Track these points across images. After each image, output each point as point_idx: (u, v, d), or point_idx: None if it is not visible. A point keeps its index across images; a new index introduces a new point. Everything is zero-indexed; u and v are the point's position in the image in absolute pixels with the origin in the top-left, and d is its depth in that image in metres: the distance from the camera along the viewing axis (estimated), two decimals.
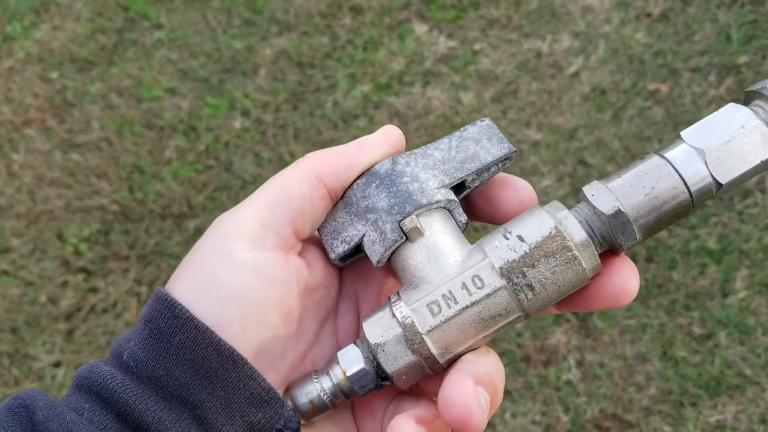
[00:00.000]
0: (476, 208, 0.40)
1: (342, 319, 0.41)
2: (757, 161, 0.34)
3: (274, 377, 0.37)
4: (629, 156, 1.47)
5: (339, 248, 0.39)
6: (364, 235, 0.38)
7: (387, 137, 0.39)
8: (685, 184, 0.34)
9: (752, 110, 0.35)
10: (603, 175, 1.46)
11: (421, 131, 1.56)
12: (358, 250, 0.39)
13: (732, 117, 0.34)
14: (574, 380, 1.25)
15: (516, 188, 0.39)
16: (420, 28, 1.73)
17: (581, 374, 1.26)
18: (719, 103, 1.49)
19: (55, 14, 1.84)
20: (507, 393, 1.25)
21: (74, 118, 1.67)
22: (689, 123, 1.43)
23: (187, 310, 0.35)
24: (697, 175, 0.34)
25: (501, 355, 1.28)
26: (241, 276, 0.36)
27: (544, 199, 1.40)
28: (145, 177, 1.57)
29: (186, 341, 0.35)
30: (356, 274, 0.42)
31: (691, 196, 0.34)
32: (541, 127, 1.54)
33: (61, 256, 1.49)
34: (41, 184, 1.59)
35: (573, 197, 1.44)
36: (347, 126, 1.59)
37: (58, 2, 1.85)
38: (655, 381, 1.24)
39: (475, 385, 0.33)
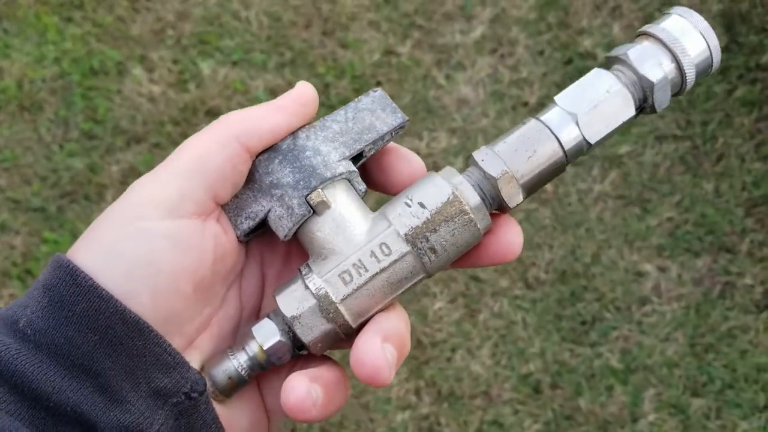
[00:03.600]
0: (372, 178, 0.42)
1: (246, 282, 0.42)
2: (620, 121, 0.39)
3: (179, 341, 0.37)
4: (522, 267, 1.38)
5: (244, 225, 0.39)
6: (269, 211, 0.38)
7: (300, 98, 0.39)
8: (561, 145, 0.38)
9: (615, 75, 0.39)
10: (497, 292, 1.36)
11: None
12: (262, 224, 0.40)
13: (598, 82, 0.38)
14: None
15: (410, 162, 0.41)
16: None
17: None
18: (605, 200, 1.44)
19: None
20: None
21: None
22: (577, 226, 1.36)
23: (91, 278, 0.34)
24: (570, 137, 0.38)
25: None
26: (152, 245, 0.35)
27: None
28: None
29: (89, 310, 0.34)
30: (262, 236, 0.42)
31: (566, 155, 0.38)
32: None
33: None
34: None
35: (469, 320, 1.33)
36: None
37: None
38: None
39: (382, 342, 0.36)
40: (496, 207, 0.39)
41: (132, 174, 1.51)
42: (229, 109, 1.59)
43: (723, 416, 1.23)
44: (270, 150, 0.39)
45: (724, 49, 1.65)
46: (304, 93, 0.39)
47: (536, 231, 1.42)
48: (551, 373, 1.26)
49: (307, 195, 0.38)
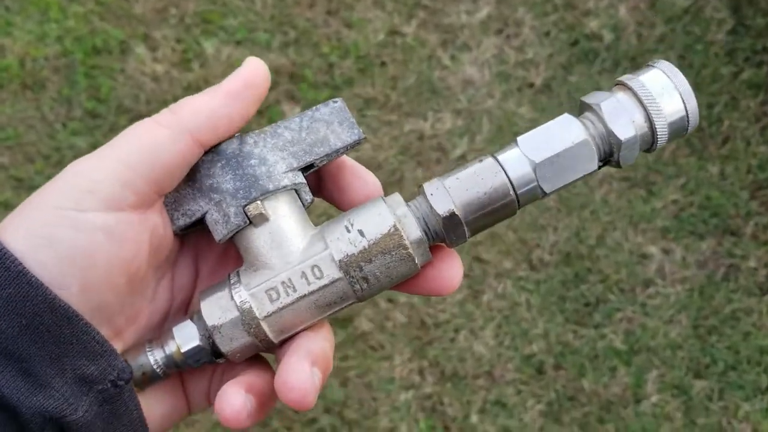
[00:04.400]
0: (325, 191, 0.41)
1: (179, 274, 0.41)
2: (579, 174, 0.37)
3: (107, 331, 0.36)
4: (525, 249, 1.38)
5: (180, 221, 0.38)
6: (206, 212, 0.37)
7: (251, 79, 0.36)
8: (514, 189, 0.37)
9: (583, 123, 0.37)
10: (501, 273, 1.36)
11: None
12: (199, 221, 0.39)
13: (564, 130, 0.37)
14: None
15: (366, 182, 0.40)
16: (291, 111, 1.57)
17: None
18: (610, 182, 1.43)
19: None
20: None
21: None
22: (582, 208, 1.35)
23: (21, 264, 0.33)
24: (525, 182, 0.37)
25: None
26: (88, 236, 0.34)
27: None
28: None
29: (16, 295, 0.33)
30: (200, 230, 0.40)
31: (518, 200, 0.37)
32: None
33: None
34: None
35: (472, 301, 1.33)
36: None
37: None
38: None
39: (311, 366, 0.35)
40: (440, 241, 0.38)
41: None
42: None
43: (725, 398, 1.24)
44: (214, 151, 0.37)
45: (731, 32, 1.64)
46: (254, 73, 0.37)
47: (541, 213, 1.41)
48: (554, 354, 1.26)
49: (246, 206, 0.37)
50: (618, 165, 0.38)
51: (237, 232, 0.37)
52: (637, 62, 1.60)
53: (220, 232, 0.37)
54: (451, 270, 0.38)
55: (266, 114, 1.55)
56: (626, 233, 1.39)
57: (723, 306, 1.32)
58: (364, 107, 1.58)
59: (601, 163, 0.38)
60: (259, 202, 0.37)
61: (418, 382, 1.27)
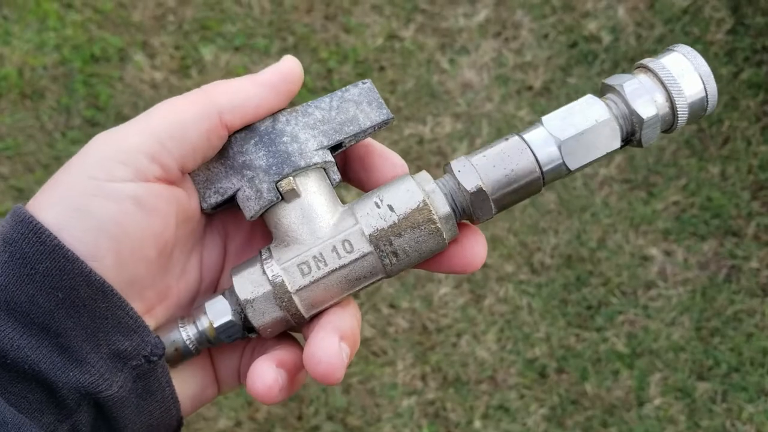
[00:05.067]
0: (351, 172, 0.41)
1: (207, 253, 0.41)
2: (603, 152, 0.38)
3: (139, 305, 0.37)
4: (527, 252, 1.38)
5: (212, 198, 0.39)
6: (238, 190, 0.38)
7: (287, 75, 0.38)
8: (540, 167, 0.37)
9: (606, 104, 0.38)
10: (502, 277, 1.36)
11: None
12: (230, 200, 0.39)
13: (588, 109, 0.38)
14: None
15: (393, 164, 0.40)
16: None
17: None
18: (611, 184, 1.43)
19: None
20: None
21: None
22: (582, 211, 1.35)
23: (56, 237, 0.33)
24: (550, 160, 0.38)
25: None
26: (120, 206, 0.34)
27: None
28: None
29: (53, 269, 0.33)
30: (228, 209, 0.41)
31: (543, 177, 0.38)
32: None
33: None
34: None
35: (474, 305, 1.33)
36: None
37: None
38: None
39: (339, 341, 0.35)
40: (467, 218, 0.39)
41: None
42: None
43: (729, 400, 1.23)
44: (247, 129, 0.38)
45: (730, 31, 1.64)
46: (292, 70, 0.38)
47: (541, 216, 1.41)
48: (557, 357, 1.26)
49: (278, 181, 0.37)
50: (639, 144, 0.39)
51: (268, 209, 0.38)
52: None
53: (252, 208, 0.38)
54: (475, 247, 0.39)
55: None
56: (627, 235, 1.39)
57: (725, 307, 1.31)
58: None
59: (623, 142, 0.39)
60: (291, 178, 0.37)
61: (421, 388, 1.27)
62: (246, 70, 1.61)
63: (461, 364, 1.28)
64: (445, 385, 1.28)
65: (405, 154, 1.52)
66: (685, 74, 0.38)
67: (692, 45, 1.62)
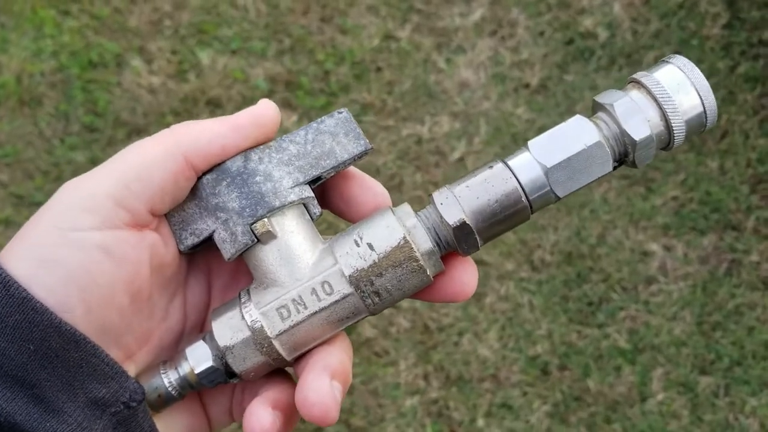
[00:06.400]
0: (332, 203, 0.41)
1: (191, 293, 0.41)
2: (593, 177, 0.36)
3: (117, 353, 0.36)
4: (526, 250, 1.38)
5: (188, 240, 0.38)
6: (214, 231, 0.37)
7: (260, 118, 0.37)
8: (526, 195, 0.36)
9: (596, 125, 0.36)
10: (503, 275, 1.36)
11: None
12: (208, 239, 0.38)
13: (577, 131, 0.36)
14: None
15: (375, 194, 0.39)
16: (288, 119, 1.57)
17: None
18: (609, 180, 1.43)
19: None
20: None
21: None
22: (581, 207, 1.35)
23: (24, 290, 0.33)
24: (537, 188, 0.36)
25: None
26: (87, 255, 0.34)
27: None
28: None
29: (22, 322, 0.33)
30: (210, 247, 0.40)
31: (531, 206, 0.36)
32: None
33: None
34: None
35: (475, 303, 1.33)
36: None
37: None
38: None
39: (330, 380, 0.35)
40: (452, 250, 0.38)
41: None
42: (230, 99, 1.58)
43: (731, 393, 1.23)
44: (219, 170, 0.37)
45: (726, 26, 1.64)
46: (265, 113, 0.37)
47: (540, 213, 1.41)
48: (559, 354, 1.26)
49: (252, 224, 0.36)
50: (634, 165, 0.37)
51: (246, 251, 0.37)
52: (633, 59, 1.59)
53: (228, 250, 0.37)
54: (464, 276, 0.38)
55: None
56: (627, 231, 1.39)
57: (726, 301, 1.31)
58: (361, 113, 1.58)
59: (616, 164, 0.37)
60: (266, 219, 0.36)
61: (424, 387, 1.27)
62: (243, 74, 1.61)
63: (463, 363, 1.28)
64: (448, 384, 1.28)
65: (404, 155, 1.52)
66: (681, 89, 0.36)
67: (688, 40, 1.62)
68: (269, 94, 1.59)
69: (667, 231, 1.38)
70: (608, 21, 1.63)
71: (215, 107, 1.57)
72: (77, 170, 1.50)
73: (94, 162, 1.50)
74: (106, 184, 0.35)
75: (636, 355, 1.25)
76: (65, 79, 1.61)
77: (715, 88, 1.57)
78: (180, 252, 0.39)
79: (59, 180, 1.49)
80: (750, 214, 1.40)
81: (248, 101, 1.57)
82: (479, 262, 1.38)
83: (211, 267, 0.41)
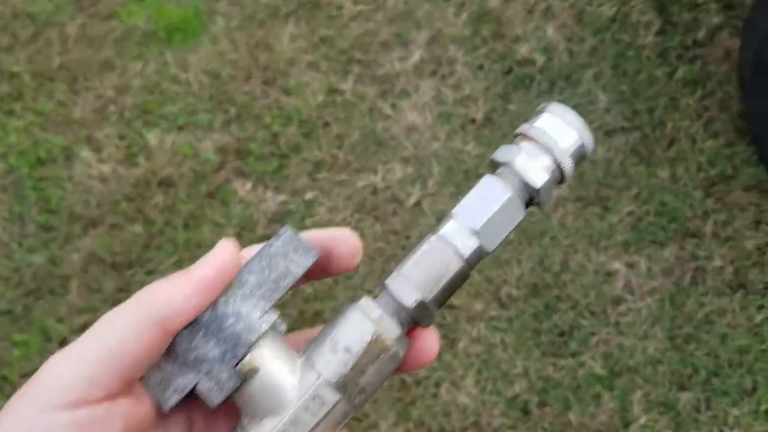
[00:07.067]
0: (310, 272, 0.42)
1: None
2: (513, 225, 0.41)
3: None
4: (493, 287, 1.38)
5: (171, 399, 0.38)
6: (197, 383, 0.38)
7: (223, 265, 0.38)
8: (465, 260, 0.40)
9: (503, 181, 0.41)
10: (473, 317, 1.36)
11: None
12: (191, 393, 0.39)
13: (491, 192, 0.41)
14: None
15: (347, 242, 0.41)
16: (243, 187, 1.57)
17: None
18: (564, 204, 1.44)
19: None
20: None
21: None
22: (541, 236, 1.35)
23: None
24: (472, 250, 0.40)
25: None
26: None
27: None
28: None
29: None
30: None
31: (470, 267, 0.41)
32: None
33: None
34: None
35: (449, 350, 1.32)
36: None
37: None
38: None
39: None
40: (413, 325, 0.41)
41: (93, 260, 1.50)
42: (182, 176, 1.57)
43: (713, 406, 1.23)
44: (190, 324, 0.38)
45: (660, 32, 1.66)
46: (227, 259, 0.38)
47: (502, 248, 1.41)
48: (537, 390, 1.25)
49: (236, 365, 0.37)
50: (538, 205, 0.42)
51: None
52: (572, 79, 1.61)
53: (215, 398, 0.38)
54: (427, 345, 0.41)
55: (218, 195, 1.55)
56: (588, 254, 1.39)
57: (695, 311, 1.31)
58: (313, 171, 1.58)
59: (526, 209, 0.42)
60: (248, 357, 0.37)
61: None
62: (192, 149, 1.61)
63: (444, 414, 1.27)
64: None
65: (361, 207, 1.52)
66: (561, 132, 0.41)
67: (623, 52, 1.64)
68: (221, 165, 1.59)
69: (628, 248, 1.39)
70: (543, 45, 1.65)
71: (168, 187, 1.57)
72: (37, 272, 1.49)
73: (53, 261, 1.50)
74: (80, 361, 0.36)
75: (613, 380, 1.25)
76: (16, 180, 1.61)
77: (656, 97, 1.58)
78: (162, 411, 0.39)
79: (20, 285, 1.48)
80: (707, 218, 1.41)
81: (200, 176, 1.57)
82: (448, 307, 1.38)
83: (190, 413, 0.42)
